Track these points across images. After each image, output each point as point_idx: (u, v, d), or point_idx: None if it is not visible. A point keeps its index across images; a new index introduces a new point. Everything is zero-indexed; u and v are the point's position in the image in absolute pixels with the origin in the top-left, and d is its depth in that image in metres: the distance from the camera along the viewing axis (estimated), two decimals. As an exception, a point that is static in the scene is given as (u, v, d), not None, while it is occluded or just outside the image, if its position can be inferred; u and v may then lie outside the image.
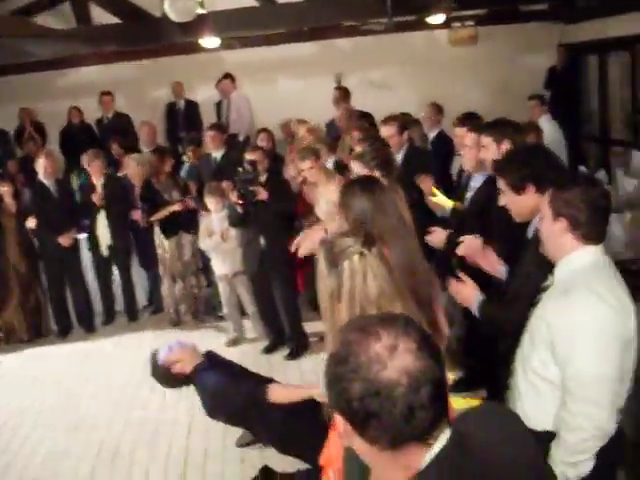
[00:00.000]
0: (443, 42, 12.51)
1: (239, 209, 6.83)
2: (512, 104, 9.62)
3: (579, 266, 2.90)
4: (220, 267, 7.62)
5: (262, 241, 6.95)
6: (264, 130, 9.21)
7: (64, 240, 8.18)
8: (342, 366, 1.58)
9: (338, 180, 6.23)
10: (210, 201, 7.49)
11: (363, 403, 1.54)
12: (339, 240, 2.58)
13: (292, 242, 6.48)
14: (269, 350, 7.34)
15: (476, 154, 4.88)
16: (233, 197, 6.87)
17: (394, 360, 1.54)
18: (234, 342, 7.68)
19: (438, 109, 9.18)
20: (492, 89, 11.99)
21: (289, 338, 7.30)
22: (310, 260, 7.10)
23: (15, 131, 11.50)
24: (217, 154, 8.60)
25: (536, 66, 12.01)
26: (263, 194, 6.77)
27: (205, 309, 8.57)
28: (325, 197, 6.24)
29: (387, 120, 6.94)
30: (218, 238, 7.44)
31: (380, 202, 3.30)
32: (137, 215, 8.32)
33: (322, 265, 2.55)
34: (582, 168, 9.24)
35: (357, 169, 4.88)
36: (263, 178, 6.92)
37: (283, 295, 7.09)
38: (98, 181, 8.48)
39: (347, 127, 8.36)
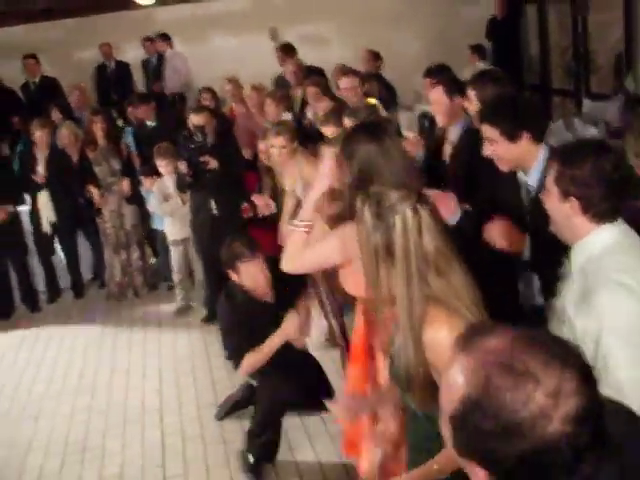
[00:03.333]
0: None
1: (188, 179, 6.55)
2: (450, 55, 9.40)
3: (597, 251, 2.50)
4: (175, 232, 7.28)
5: (213, 206, 6.59)
6: (208, 89, 8.77)
7: None
8: (490, 421, 1.24)
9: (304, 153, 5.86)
10: (161, 164, 7.09)
11: (522, 461, 1.23)
12: (387, 193, 2.32)
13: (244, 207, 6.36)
14: (208, 320, 6.89)
15: (447, 107, 4.70)
16: (182, 167, 6.57)
17: (559, 408, 1.22)
18: (183, 311, 7.38)
19: (375, 56, 8.99)
20: (430, 40, 11.78)
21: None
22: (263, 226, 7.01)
23: None
24: (152, 123, 8.20)
25: (474, 16, 11.81)
26: (213, 163, 6.44)
27: (155, 280, 8.16)
28: (300, 179, 5.80)
29: (347, 72, 6.69)
30: (178, 201, 7.07)
31: (387, 149, 3.01)
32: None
33: (366, 219, 2.30)
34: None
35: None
36: (210, 141, 6.54)
37: None
38: (42, 153, 7.85)
39: (298, 83, 8.07)
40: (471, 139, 4.21)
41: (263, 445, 4.51)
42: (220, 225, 6.47)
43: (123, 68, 11.36)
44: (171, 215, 7.21)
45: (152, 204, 7.40)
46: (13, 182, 7.89)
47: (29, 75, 10.73)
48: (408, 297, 2.24)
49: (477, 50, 10.30)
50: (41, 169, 7.79)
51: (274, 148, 5.78)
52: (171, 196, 7.12)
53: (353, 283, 2.94)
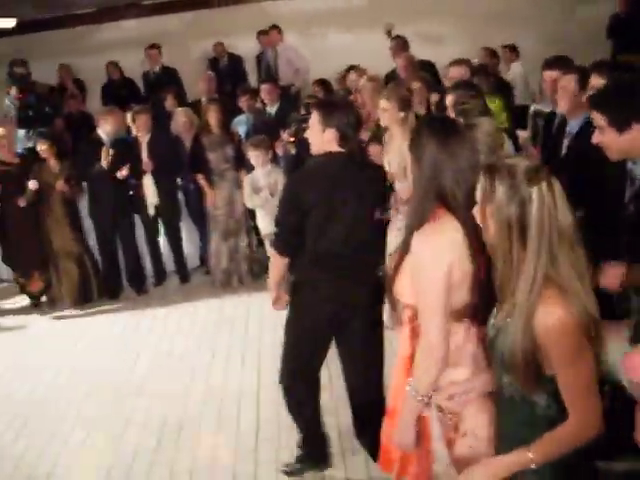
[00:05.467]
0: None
1: (292, 149, 6.56)
2: (566, 54, 9.08)
3: None
4: (267, 225, 7.20)
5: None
6: (320, 81, 8.77)
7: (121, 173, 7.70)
8: None
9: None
10: (254, 154, 7.11)
11: None
12: (518, 164, 2.23)
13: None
14: None
15: (574, 96, 4.59)
16: (285, 135, 6.56)
17: None
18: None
19: (491, 53, 8.78)
20: (546, 40, 11.40)
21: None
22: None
23: (56, 87, 11.11)
24: (272, 109, 8.21)
25: (590, 14, 11.39)
26: None
27: (259, 269, 8.18)
28: (398, 150, 5.76)
29: (456, 62, 6.57)
30: (266, 193, 7.06)
31: (453, 150, 2.79)
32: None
33: (499, 192, 2.22)
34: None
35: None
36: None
37: None
38: (144, 138, 8.07)
39: (409, 77, 7.95)
40: (591, 131, 4.04)
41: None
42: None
43: (236, 61, 11.48)
44: (262, 207, 7.19)
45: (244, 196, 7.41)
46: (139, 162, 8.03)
47: (151, 64, 11.00)
48: (533, 272, 2.19)
49: (512, 50, 10.10)
50: (144, 155, 7.96)
51: (384, 112, 5.77)
52: (261, 189, 7.11)
53: (411, 290, 2.80)
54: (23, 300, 8.34)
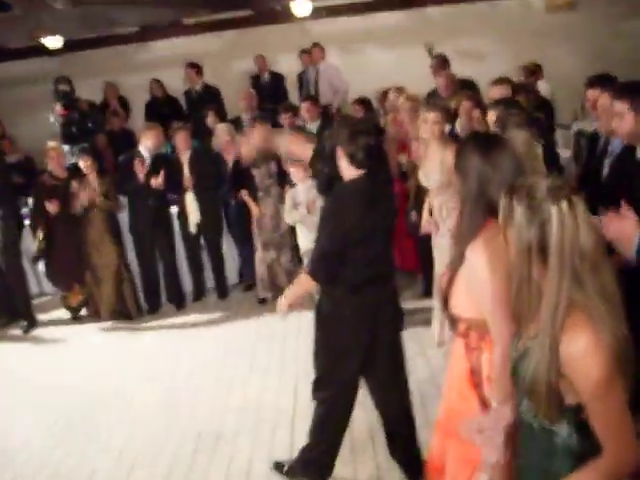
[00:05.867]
0: (539, 8, 11.91)
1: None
2: (610, 71, 9.01)
3: None
4: (305, 242, 7.15)
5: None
6: (360, 100, 8.82)
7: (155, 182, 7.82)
8: None
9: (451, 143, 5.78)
10: (294, 170, 7.14)
11: None
12: (537, 183, 2.16)
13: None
14: None
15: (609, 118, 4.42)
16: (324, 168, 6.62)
17: None
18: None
19: (532, 71, 8.73)
20: (590, 57, 11.30)
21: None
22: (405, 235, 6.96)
23: (100, 104, 11.31)
24: (312, 126, 8.26)
25: (636, 30, 11.27)
26: None
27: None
28: (441, 164, 5.77)
29: (498, 81, 6.53)
30: (304, 210, 7.08)
31: (498, 163, 2.82)
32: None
33: (518, 214, 2.15)
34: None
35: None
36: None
37: None
38: (184, 154, 8.18)
39: (449, 95, 7.95)
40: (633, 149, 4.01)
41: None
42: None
43: (278, 79, 11.57)
44: (300, 223, 7.21)
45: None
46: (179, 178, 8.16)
47: (190, 83, 11.13)
48: (556, 297, 2.09)
49: (536, 70, 9.95)
50: (185, 171, 8.05)
51: (424, 125, 5.79)
52: (300, 204, 7.15)
53: (467, 302, 2.79)
54: (64, 313, 8.46)
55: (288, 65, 11.83)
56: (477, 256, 2.69)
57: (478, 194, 2.77)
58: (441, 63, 9.30)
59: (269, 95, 11.24)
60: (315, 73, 11.17)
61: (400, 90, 8.23)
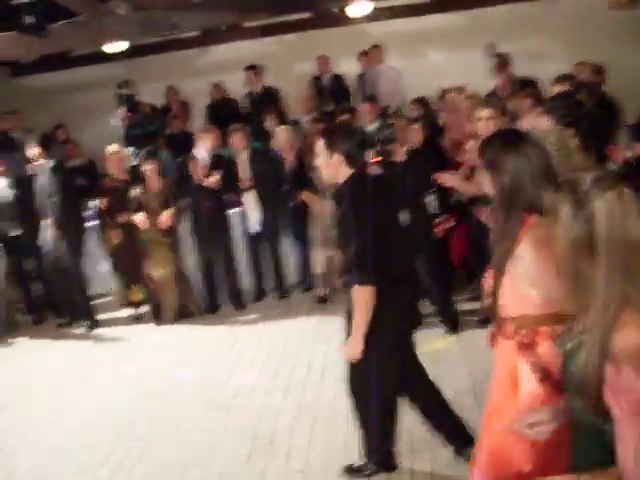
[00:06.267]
0: (601, 5, 11.64)
1: (376, 170, 6.60)
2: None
3: None
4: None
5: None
6: (418, 100, 8.78)
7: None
8: None
9: None
10: None
11: None
12: (581, 177, 2.07)
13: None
14: None
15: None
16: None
17: None
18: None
19: (596, 70, 8.53)
20: (656, 53, 11.05)
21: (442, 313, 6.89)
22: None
23: (161, 108, 11.46)
24: (372, 126, 8.26)
25: None
26: (400, 153, 6.64)
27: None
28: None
29: (561, 78, 6.42)
30: None
31: (528, 156, 2.78)
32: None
33: (563, 210, 2.07)
34: None
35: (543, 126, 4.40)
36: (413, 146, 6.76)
37: (431, 269, 6.64)
38: (242, 155, 8.25)
39: (510, 96, 7.83)
40: None
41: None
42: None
43: (338, 80, 11.56)
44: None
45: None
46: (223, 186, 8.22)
47: (250, 85, 11.21)
48: (607, 293, 2.00)
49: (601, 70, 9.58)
50: (242, 172, 8.10)
51: (481, 121, 5.74)
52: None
53: (516, 301, 2.73)
54: (126, 313, 8.60)
55: (348, 67, 11.81)
56: (526, 252, 2.63)
57: (513, 189, 2.73)
58: (502, 63, 9.20)
59: (330, 97, 11.25)
60: (374, 75, 11.13)
61: (460, 89, 8.17)
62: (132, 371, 7.04)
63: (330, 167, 4.14)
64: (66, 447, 5.61)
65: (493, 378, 3.03)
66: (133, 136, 9.77)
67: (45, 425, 6.08)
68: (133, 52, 11.37)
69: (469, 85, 8.87)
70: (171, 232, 8.18)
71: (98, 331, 8.39)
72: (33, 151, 8.22)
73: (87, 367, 7.36)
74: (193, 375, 6.72)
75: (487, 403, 3.12)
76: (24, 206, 8.42)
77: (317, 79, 11.66)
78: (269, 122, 9.27)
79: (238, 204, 8.34)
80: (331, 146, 4.09)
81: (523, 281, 2.75)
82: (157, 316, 8.38)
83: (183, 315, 8.31)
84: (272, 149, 8.58)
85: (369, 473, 4.58)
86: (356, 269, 3.95)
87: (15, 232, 8.53)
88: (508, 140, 2.84)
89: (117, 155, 8.30)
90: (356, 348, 4.00)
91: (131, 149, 9.69)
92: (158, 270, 8.13)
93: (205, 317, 8.31)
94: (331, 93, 11.36)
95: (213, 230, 8.06)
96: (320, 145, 4.17)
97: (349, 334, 4.09)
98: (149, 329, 8.25)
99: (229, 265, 8.35)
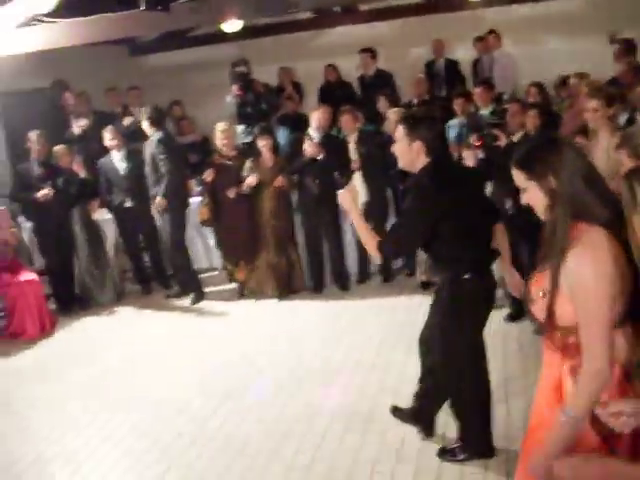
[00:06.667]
0: None
1: (479, 154, 6.51)
2: None
3: None
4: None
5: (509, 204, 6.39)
6: (536, 84, 8.58)
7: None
8: None
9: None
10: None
11: None
12: None
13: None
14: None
15: None
16: (473, 139, 6.73)
17: None
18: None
19: None
20: None
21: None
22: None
23: (275, 89, 11.57)
24: (486, 110, 8.12)
25: None
26: (502, 138, 6.59)
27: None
28: (605, 152, 5.49)
29: None
30: None
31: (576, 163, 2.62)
32: None
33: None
34: None
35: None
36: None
37: (533, 256, 6.45)
38: (351, 136, 8.24)
39: (631, 83, 7.55)
40: None
41: None
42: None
43: (452, 66, 11.43)
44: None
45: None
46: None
47: (365, 68, 11.22)
48: None
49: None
50: (352, 152, 8.16)
51: (588, 113, 5.63)
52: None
53: (566, 310, 2.63)
54: (232, 288, 8.76)
55: (463, 53, 11.65)
56: (579, 264, 2.50)
57: (568, 195, 2.57)
58: (624, 50, 8.87)
59: (443, 81, 11.14)
60: (490, 61, 10.95)
61: (582, 76, 7.93)
62: (234, 343, 7.18)
63: (408, 154, 4.16)
64: (166, 411, 5.78)
65: (537, 389, 2.93)
66: (245, 114, 9.88)
67: (146, 386, 6.31)
68: (248, 33, 11.53)
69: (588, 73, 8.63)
70: (283, 207, 8.24)
71: (203, 304, 8.55)
72: (144, 124, 8.42)
73: (189, 337, 7.55)
74: (293, 351, 6.79)
75: (531, 417, 3.02)
76: (138, 178, 8.64)
77: (431, 64, 11.56)
78: (382, 104, 9.23)
79: (346, 185, 8.31)
80: (412, 133, 4.10)
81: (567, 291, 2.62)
82: (261, 292, 8.48)
83: (288, 292, 8.37)
84: (383, 131, 8.52)
85: (463, 458, 4.55)
86: (388, 235, 4.20)
87: (128, 204, 8.77)
88: (551, 146, 2.70)
89: (226, 132, 8.40)
90: (356, 222, 4.18)
91: (242, 127, 9.82)
92: (267, 247, 8.22)
93: (310, 295, 8.35)
94: (444, 78, 11.25)
95: (321, 209, 8.09)
96: (400, 131, 4.17)
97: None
98: (253, 305, 8.36)
99: (335, 245, 8.37)
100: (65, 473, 5.02)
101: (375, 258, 4.51)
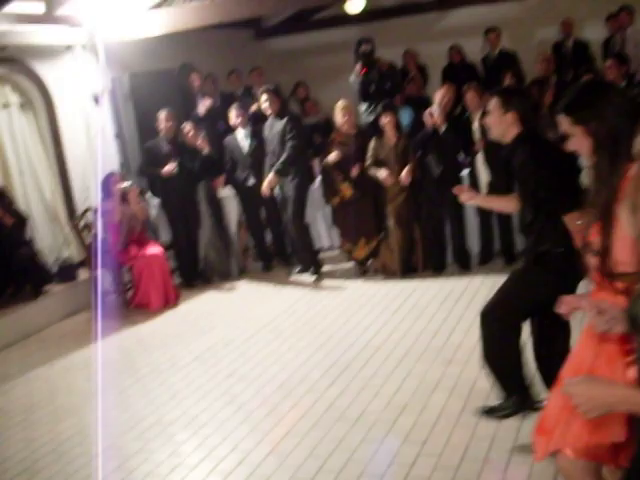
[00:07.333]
0: None
1: None
2: None
3: None
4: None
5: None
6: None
7: None
8: None
9: None
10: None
11: None
12: None
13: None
14: None
15: None
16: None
17: None
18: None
19: None
20: None
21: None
22: None
23: (399, 71, 11.47)
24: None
25: None
26: None
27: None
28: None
29: None
30: None
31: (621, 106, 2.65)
32: None
33: None
34: None
35: None
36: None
37: None
38: (475, 114, 8.10)
39: None
40: None
41: None
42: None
43: (581, 46, 11.05)
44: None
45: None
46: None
47: (490, 47, 11.05)
48: None
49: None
50: (475, 132, 8.07)
51: None
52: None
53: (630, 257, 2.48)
54: (352, 267, 8.79)
55: (595, 33, 11.23)
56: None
57: (614, 137, 2.58)
58: None
59: (571, 62, 10.78)
60: (622, 38, 10.52)
61: None
62: (353, 320, 7.20)
63: (502, 124, 4.31)
64: (284, 381, 5.87)
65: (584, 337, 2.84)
66: (368, 93, 9.83)
67: (266, 357, 6.44)
68: (372, 15, 11.52)
69: None
70: (405, 188, 8.19)
71: (323, 282, 8.61)
72: (264, 104, 8.54)
73: (309, 312, 7.63)
74: (414, 328, 6.76)
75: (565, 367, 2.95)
76: (261, 157, 8.77)
77: (559, 45, 11.21)
78: (508, 81, 9.04)
79: (471, 165, 8.21)
80: (506, 104, 4.27)
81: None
82: (382, 271, 8.47)
83: (409, 271, 8.32)
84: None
85: (506, 413, 4.63)
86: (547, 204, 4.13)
87: (251, 181, 8.91)
88: (597, 90, 2.74)
89: (346, 109, 8.39)
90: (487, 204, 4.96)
91: (365, 105, 9.80)
92: (396, 217, 8.20)
93: (431, 274, 8.28)
94: (572, 58, 10.88)
95: (443, 188, 7.97)
96: (494, 103, 4.33)
97: None
98: (373, 282, 8.36)
99: (457, 224, 8.26)
100: (185, 435, 5.17)
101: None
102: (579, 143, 2.74)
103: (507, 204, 4.51)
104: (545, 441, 2.99)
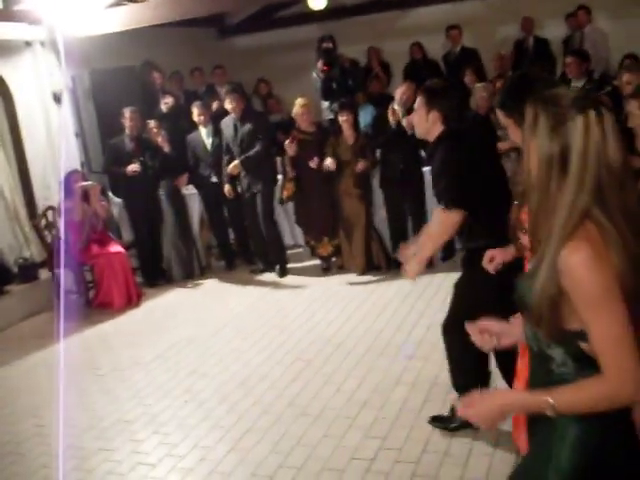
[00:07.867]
0: None
1: None
2: None
3: None
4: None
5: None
6: (630, 55, 8.36)
7: None
8: None
9: None
10: None
11: None
12: (564, 94, 1.98)
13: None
14: None
15: None
16: None
17: None
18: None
19: None
20: None
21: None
22: None
23: (362, 69, 11.50)
24: (577, 84, 7.93)
25: None
26: None
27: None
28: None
29: None
30: None
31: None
32: None
33: (542, 125, 1.96)
34: None
35: None
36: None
37: None
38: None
39: None
40: None
41: None
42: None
43: (542, 44, 11.16)
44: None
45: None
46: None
47: (452, 45, 11.15)
48: (570, 208, 1.90)
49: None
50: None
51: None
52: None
53: None
54: (315, 263, 8.82)
55: (554, 32, 11.34)
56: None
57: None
58: None
59: (532, 60, 10.89)
60: (580, 37, 10.65)
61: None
62: (315, 317, 7.22)
63: (425, 124, 4.31)
64: (245, 379, 5.86)
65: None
66: (330, 90, 9.84)
67: (227, 355, 6.44)
68: (334, 13, 11.55)
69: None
70: (363, 184, 8.20)
71: (286, 278, 8.63)
72: (229, 105, 8.51)
73: (271, 309, 7.64)
74: (373, 325, 6.79)
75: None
76: (224, 154, 8.74)
77: (520, 42, 11.32)
78: (468, 78, 9.10)
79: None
80: (429, 103, 4.28)
81: None
82: (344, 268, 8.51)
83: (371, 268, 8.35)
84: (470, 108, 8.38)
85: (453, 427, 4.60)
86: (444, 194, 4.15)
87: (214, 179, 8.88)
88: (524, 83, 3.06)
89: (305, 107, 8.39)
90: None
91: (327, 103, 9.81)
92: (351, 215, 8.22)
93: (393, 271, 8.28)
94: (533, 56, 10.99)
95: (405, 185, 8.01)
96: (418, 101, 4.36)
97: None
98: (336, 280, 8.37)
99: (419, 222, 8.25)
100: (145, 433, 5.15)
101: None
102: (513, 134, 2.94)
103: (444, 227, 4.22)
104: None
